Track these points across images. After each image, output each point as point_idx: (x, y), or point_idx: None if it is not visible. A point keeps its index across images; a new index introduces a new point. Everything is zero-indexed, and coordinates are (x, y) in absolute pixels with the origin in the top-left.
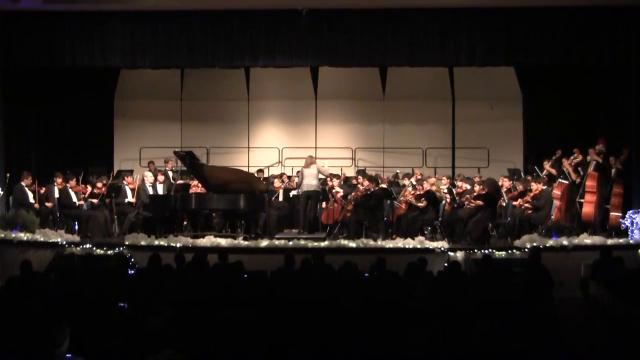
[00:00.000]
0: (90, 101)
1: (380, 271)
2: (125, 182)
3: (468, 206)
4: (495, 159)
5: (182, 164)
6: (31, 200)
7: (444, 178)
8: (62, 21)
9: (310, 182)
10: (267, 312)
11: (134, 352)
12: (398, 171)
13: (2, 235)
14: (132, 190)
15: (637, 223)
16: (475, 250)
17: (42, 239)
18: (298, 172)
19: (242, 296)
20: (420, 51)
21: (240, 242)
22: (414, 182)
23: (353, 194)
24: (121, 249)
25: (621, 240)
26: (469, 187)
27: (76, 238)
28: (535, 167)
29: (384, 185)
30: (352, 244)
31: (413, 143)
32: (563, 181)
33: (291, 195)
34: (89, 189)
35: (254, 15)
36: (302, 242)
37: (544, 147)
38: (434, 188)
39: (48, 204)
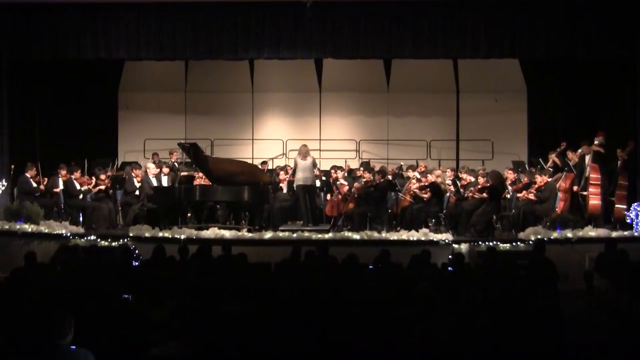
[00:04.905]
0: (95, 93)
1: (385, 263)
2: (133, 175)
3: (472, 198)
4: (500, 151)
5: (186, 156)
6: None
7: (448, 170)
8: (66, 13)
9: (306, 175)
10: (270, 304)
11: (138, 344)
12: (402, 163)
13: (7, 227)
14: (139, 182)
15: None
16: (480, 243)
17: (46, 231)
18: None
19: (246, 288)
20: (425, 43)
21: (244, 234)
22: (419, 175)
23: (355, 185)
24: (125, 240)
25: (626, 233)
26: (473, 179)
27: (80, 229)
28: (540, 160)
29: (389, 177)
30: (356, 236)
31: (417, 135)
32: (570, 173)
33: (294, 187)
34: (94, 180)
35: (258, 7)
36: (306, 234)
37: (548, 140)
38: (439, 180)
39: (55, 190)
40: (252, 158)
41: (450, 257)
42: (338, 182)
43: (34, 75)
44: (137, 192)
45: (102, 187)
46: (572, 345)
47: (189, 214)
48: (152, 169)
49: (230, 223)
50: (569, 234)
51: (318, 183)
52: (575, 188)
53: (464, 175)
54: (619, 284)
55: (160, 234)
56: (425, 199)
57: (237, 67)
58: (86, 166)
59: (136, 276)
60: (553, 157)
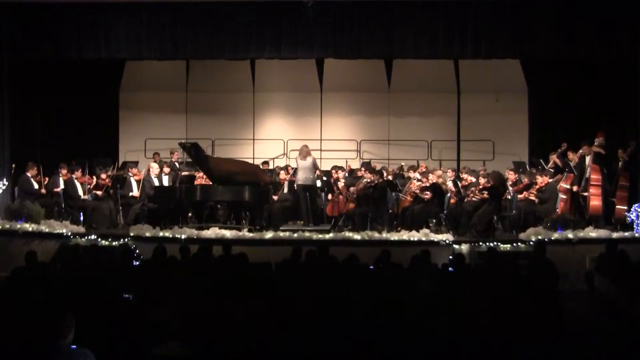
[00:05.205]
0: (96, 93)
1: (385, 264)
2: (130, 174)
3: (473, 199)
4: (501, 151)
5: (187, 156)
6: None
7: (449, 171)
8: (68, 12)
9: (306, 175)
10: (271, 304)
11: (139, 344)
12: (403, 163)
13: (8, 226)
14: (138, 181)
15: None
16: (480, 243)
17: (47, 230)
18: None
19: (247, 288)
20: (426, 43)
21: (245, 233)
22: (419, 175)
23: (354, 186)
24: (126, 240)
25: (626, 234)
26: (473, 179)
27: (81, 229)
28: (541, 160)
29: (390, 177)
30: (357, 236)
31: (418, 135)
32: (570, 174)
33: (295, 187)
34: (94, 180)
35: (259, 7)
36: (307, 234)
37: (549, 140)
38: (439, 180)
39: (56, 190)
40: (253, 158)
41: (450, 257)
42: (339, 182)
43: (35, 75)
44: (136, 192)
45: (102, 187)
46: (572, 345)
47: (189, 214)
48: (154, 168)
49: (230, 223)
50: (570, 235)
51: (319, 183)
52: (575, 189)
53: (464, 176)
54: (620, 285)
55: (161, 234)
56: (426, 200)
57: (238, 66)
58: (87, 166)
59: (137, 276)
60: (554, 157)
